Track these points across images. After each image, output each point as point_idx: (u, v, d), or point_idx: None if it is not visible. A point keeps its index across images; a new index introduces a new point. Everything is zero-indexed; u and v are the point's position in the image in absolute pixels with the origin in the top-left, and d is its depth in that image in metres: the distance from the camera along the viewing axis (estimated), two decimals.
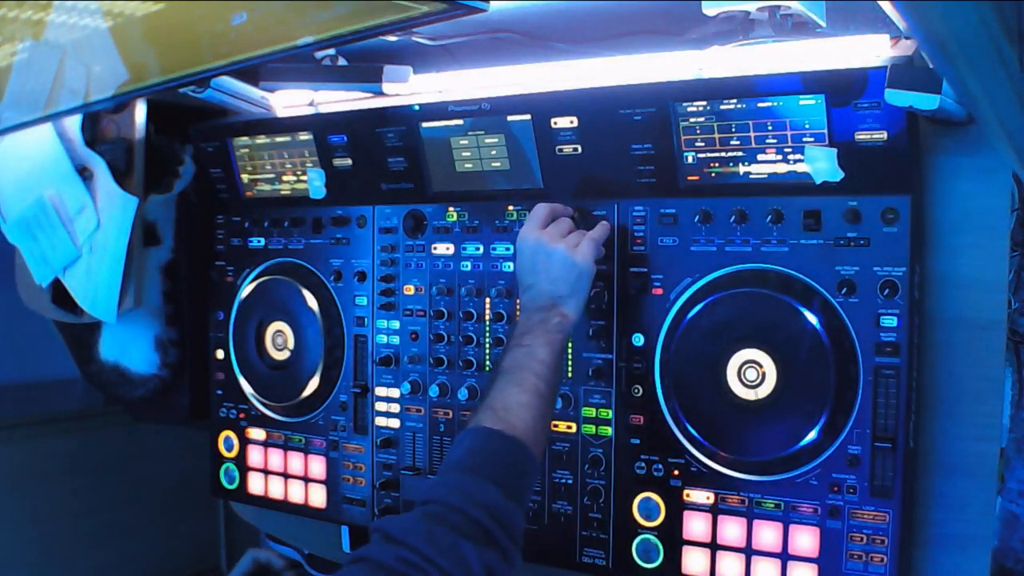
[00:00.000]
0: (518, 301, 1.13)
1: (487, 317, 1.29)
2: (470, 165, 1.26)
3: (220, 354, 1.55)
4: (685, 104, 1.08)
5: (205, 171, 1.51)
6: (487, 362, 1.29)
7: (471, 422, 0.99)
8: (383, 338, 1.38)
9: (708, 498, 1.13)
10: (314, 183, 1.41)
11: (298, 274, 1.45)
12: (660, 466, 1.16)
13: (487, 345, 1.29)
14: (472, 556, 0.83)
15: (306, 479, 1.47)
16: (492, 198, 1.27)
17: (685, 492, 1.15)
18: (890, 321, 1.02)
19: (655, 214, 1.16)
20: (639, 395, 1.18)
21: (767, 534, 1.09)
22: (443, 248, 1.33)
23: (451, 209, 1.32)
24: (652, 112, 1.10)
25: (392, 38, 1.25)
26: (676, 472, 1.15)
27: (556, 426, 1.24)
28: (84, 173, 1.43)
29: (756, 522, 1.10)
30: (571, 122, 1.16)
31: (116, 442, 1.93)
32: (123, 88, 1.02)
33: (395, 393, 1.38)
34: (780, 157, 1.06)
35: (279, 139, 1.42)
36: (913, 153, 1.00)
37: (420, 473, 1.35)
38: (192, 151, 1.50)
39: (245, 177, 1.49)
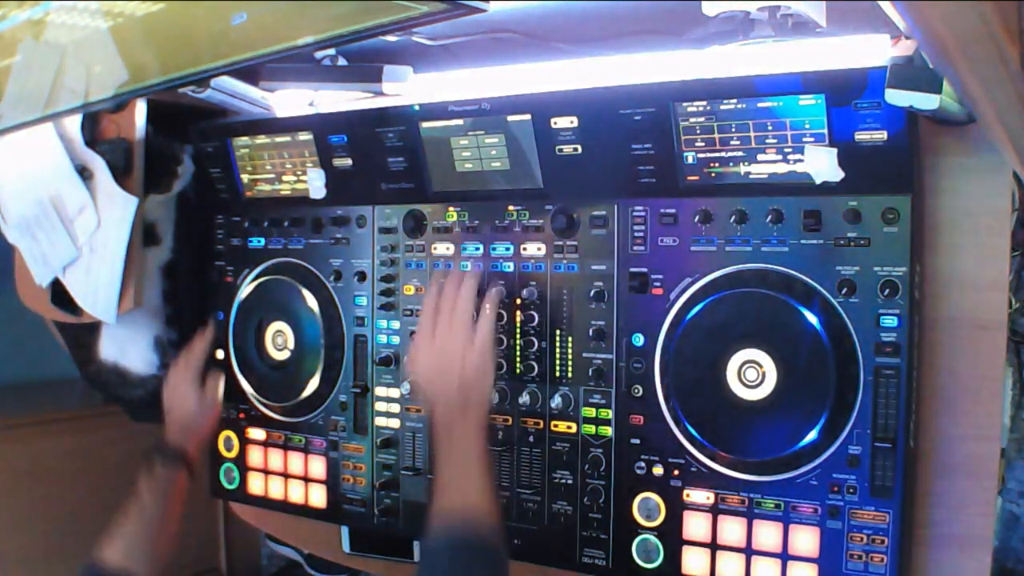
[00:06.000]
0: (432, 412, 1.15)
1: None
2: (470, 165, 1.26)
3: (220, 354, 1.55)
4: (685, 104, 1.08)
5: (205, 171, 1.51)
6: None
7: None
8: (383, 338, 1.38)
9: (708, 498, 1.13)
10: (314, 183, 1.41)
11: (298, 274, 1.45)
12: (660, 466, 1.16)
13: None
14: None
15: (306, 479, 1.48)
16: (492, 198, 1.27)
17: (685, 492, 1.15)
18: (890, 321, 1.02)
19: (655, 214, 1.16)
20: (639, 395, 1.18)
21: (767, 534, 1.09)
22: (443, 248, 1.33)
23: (451, 209, 1.32)
24: (652, 112, 1.10)
25: (392, 38, 1.25)
26: (676, 472, 1.15)
27: (556, 426, 1.24)
28: (84, 173, 1.43)
29: (756, 522, 1.10)
30: (571, 122, 1.16)
31: (116, 442, 1.93)
32: (123, 88, 1.02)
33: (395, 393, 1.38)
34: (780, 157, 1.06)
35: (279, 139, 1.42)
36: (913, 153, 1.00)
37: (420, 473, 1.35)
38: (192, 151, 1.50)
39: (245, 177, 1.49)
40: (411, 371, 1.17)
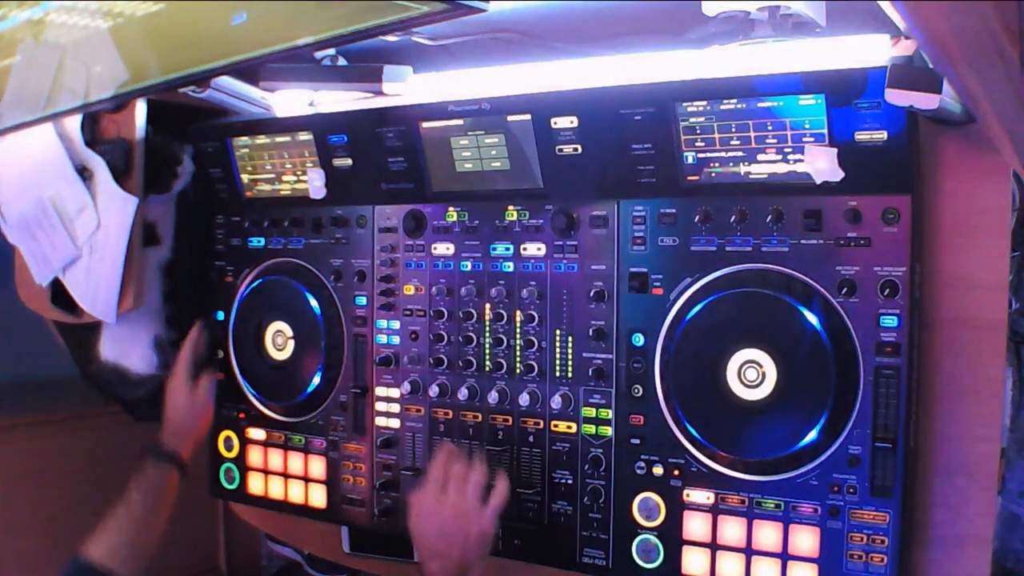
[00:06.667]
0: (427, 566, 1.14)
1: (487, 317, 1.29)
2: (470, 165, 1.26)
3: (220, 354, 1.55)
4: (685, 104, 1.08)
5: (205, 171, 1.51)
6: (487, 362, 1.29)
7: None
8: (383, 338, 1.38)
9: (708, 498, 1.13)
10: (314, 183, 1.41)
11: (298, 274, 1.45)
12: (660, 466, 1.16)
13: (487, 345, 1.29)
14: None
15: (306, 479, 1.48)
16: (492, 198, 1.27)
17: (685, 492, 1.15)
18: (890, 321, 1.02)
19: (655, 214, 1.16)
20: (639, 395, 1.18)
21: (767, 534, 1.09)
22: (443, 248, 1.33)
23: (451, 209, 1.32)
24: (652, 112, 1.10)
25: (392, 38, 1.25)
26: (676, 472, 1.15)
27: (556, 426, 1.24)
28: (84, 173, 1.43)
29: (756, 522, 1.10)
30: (571, 122, 1.16)
31: (116, 442, 1.93)
32: (123, 88, 1.02)
33: (395, 393, 1.38)
34: (780, 157, 1.06)
35: (279, 139, 1.42)
36: (913, 153, 1.00)
37: (420, 473, 1.34)
38: (192, 151, 1.50)
39: (245, 177, 1.49)
40: (413, 526, 1.17)
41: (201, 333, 1.52)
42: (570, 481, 1.23)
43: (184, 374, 1.47)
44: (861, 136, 1.00)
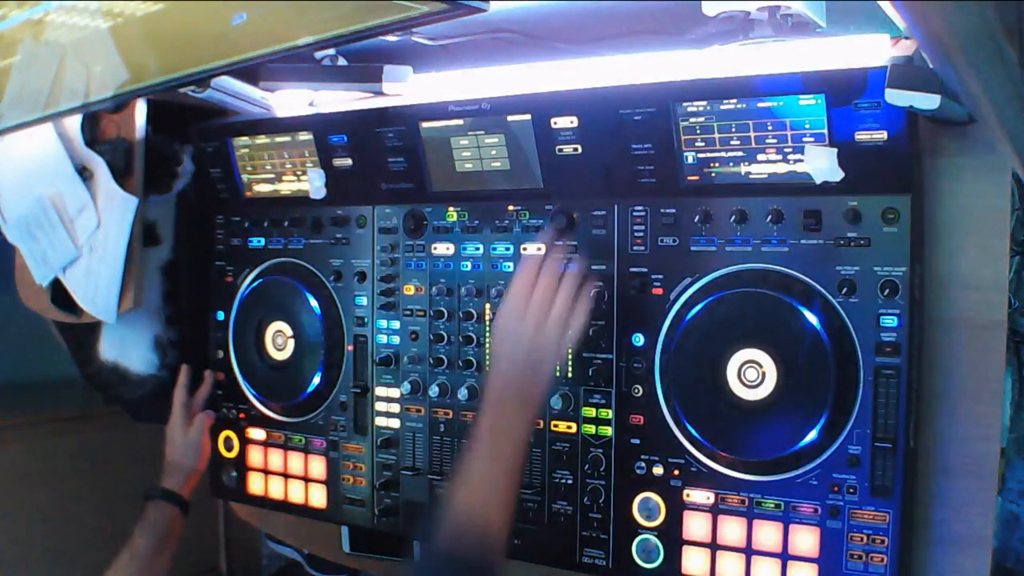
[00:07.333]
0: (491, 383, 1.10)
1: (487, 317, 1.29)
2: (470, 165, 1.26)
3: (220, 354, 1.55)
4: (685, 104, 1.08)
5: (205, 171, 1.51)
6: (487, 362, 1.29)
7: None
8: (383, 338, 1.38)
9: (708, 498, 1.13)
10: (314, 183, 1.41)
11: (298, 274, 1.45)
12: (660, 466, 1.16)
13: (487, 345, 1.29)
14: None
15: (306, 479, 1.48)
16: (492, 198, 1.28)
17: (685, 492, 1.15)
18: (890, 321, 1.02)
19: (655, 214, 1.16)
20: (639, 395, 1.18)
21: (767, 534, 1.09)
22: (443, 248, 1.33)
23: (451, 209, 1.32)
24: (652, 112, 1.10)
25: (392, 38, 1.25)
26: (676, 472, 1.15)
27: (556, 426, 1.24)
28: (84, 173, 1.43)
29: (756, 522, 1.10)
30: (571, 122, 1.16)
31: (116, 442, 1.93)
32: (123, 88, 1.02)
33: (395, 393, 1.38)
34: (780, 157, 1.06)
35: (279, 139, 1.42)
36: (913, 153, 1.00)
37: (420, 473, 1.35)
38: (192, 151, 1.50)
39: (245, 177, 1.49)
40: (491, 342, 1.13)
41: (190, 376, 1.56)
42: (570, 481, 1.23)
43: (179, 416, 1.53)
44: (861, 136, 1.00)
